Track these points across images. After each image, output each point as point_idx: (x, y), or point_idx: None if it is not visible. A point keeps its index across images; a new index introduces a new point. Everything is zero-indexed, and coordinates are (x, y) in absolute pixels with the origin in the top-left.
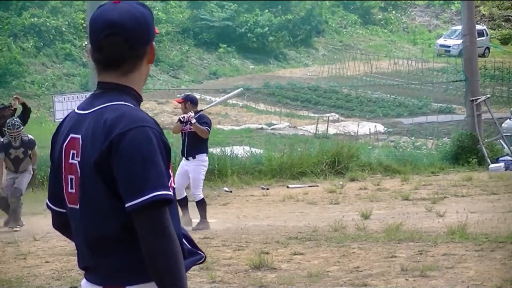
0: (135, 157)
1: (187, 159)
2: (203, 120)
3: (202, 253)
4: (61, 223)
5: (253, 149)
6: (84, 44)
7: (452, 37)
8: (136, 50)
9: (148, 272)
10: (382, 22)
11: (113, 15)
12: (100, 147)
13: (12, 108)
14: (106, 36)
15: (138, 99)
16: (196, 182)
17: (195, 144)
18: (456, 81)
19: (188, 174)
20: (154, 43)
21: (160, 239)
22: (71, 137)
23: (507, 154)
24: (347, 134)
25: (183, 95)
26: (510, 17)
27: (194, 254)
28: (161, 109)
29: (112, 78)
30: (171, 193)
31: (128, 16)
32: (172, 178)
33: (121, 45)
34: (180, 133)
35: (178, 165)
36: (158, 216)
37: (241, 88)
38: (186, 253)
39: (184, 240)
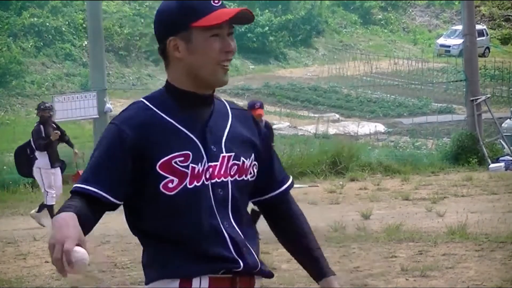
0: None
1: None
2: None
3: (240, 263)
4: None
5: None
6: (84, 44)
7: (452, 37)
8: (159, 44)
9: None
10: (382, 22)
11: None
12: None
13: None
14: None
15: (176, 93)
16: None
17: None
18: (456, 81)
19: None
20: (177, 38)
21: None
22: None
23: (507, 154)
24: (347, 134)
25: (254, 101)
26: (510, 17)
27: (221, 262)
28: None
29: None
30: (85, 187)
31: (157, 12)
32: (168, 179)
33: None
34: None
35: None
36: None
37: None
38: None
39: (230, 244)
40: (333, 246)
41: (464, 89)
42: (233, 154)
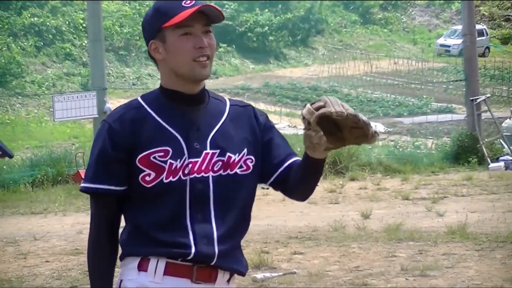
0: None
1: None
2: None
3: (191, 249)
4: None
5: None
6: (84, 44)
7: (452, 37)
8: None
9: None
10: (382, 22)
11: None
12: None
13: None
14: None
15: (166, 93)
16: None
17: None
18: (456, 80)
19: None
20: (156, 41)
21: None
22: None
23: (507, 154)
24: None
25: None
26: (510, 17)
27: (171, 246)
28: None
29: None
30: (95, 186)
31: None
32: (146, 173)
33: None
34: None
35: None
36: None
37: None
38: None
39: (190, 234)
40: (333, 245)
41: (464, 89)
42: (218, 151)
